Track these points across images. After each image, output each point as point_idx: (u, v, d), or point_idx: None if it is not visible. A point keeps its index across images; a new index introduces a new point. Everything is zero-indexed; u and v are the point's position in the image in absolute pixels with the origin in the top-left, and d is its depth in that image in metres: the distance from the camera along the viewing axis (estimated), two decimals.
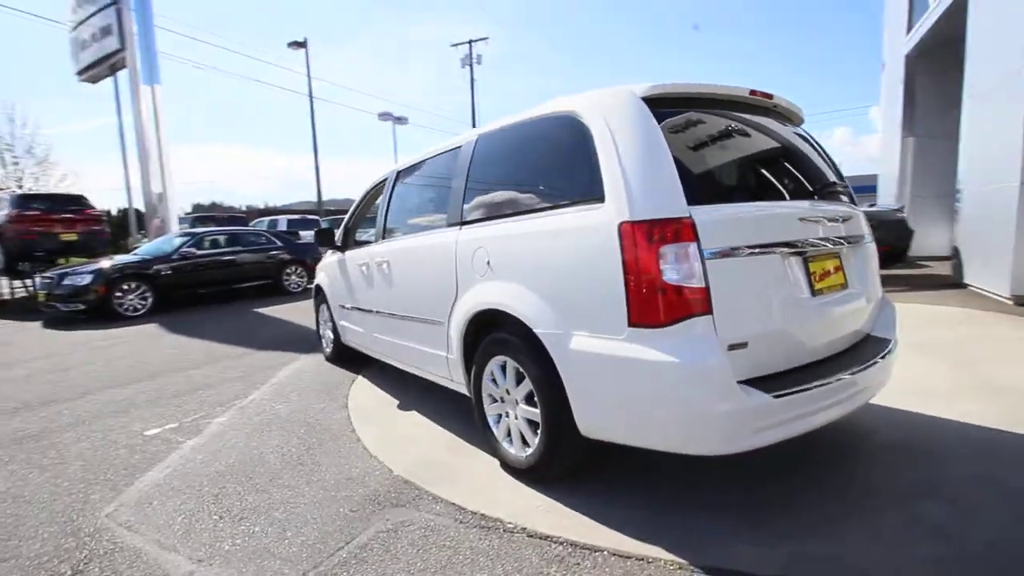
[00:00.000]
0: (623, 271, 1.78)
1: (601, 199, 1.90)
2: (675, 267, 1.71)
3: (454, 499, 2.25)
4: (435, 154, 3.13)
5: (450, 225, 2.73)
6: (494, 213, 2.44)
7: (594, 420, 1.98)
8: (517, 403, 2.34)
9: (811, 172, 2.30)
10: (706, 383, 1.68)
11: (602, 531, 1.94)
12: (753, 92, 2.18)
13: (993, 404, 2.91)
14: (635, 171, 1.81)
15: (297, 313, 8.14)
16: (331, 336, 4.80)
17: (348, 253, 4.17)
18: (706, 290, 1.71)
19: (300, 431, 3.17)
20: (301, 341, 5.97)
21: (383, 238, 3.54)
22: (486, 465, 2.54)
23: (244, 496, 2.39)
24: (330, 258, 4.69)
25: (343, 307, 4.30)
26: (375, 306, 3.57)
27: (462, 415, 3.22)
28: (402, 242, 3.25)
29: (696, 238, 1.72)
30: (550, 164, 2.27)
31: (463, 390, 2.79)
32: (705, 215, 1.76)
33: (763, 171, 2.16)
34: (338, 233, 4.37)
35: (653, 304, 1.72)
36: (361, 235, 4.51)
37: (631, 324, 1.77)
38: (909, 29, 9.20)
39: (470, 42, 33.59)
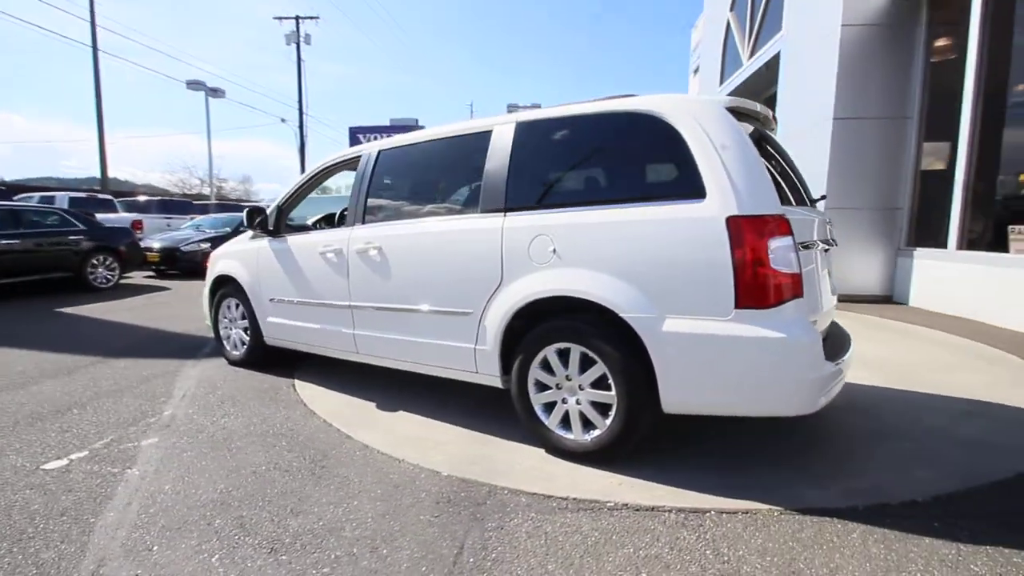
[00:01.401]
0: (731, 260, 2.00)
1: (700, 195, 2.09)
2: (780, 257, 1.99)
3: (530, 488, 2.20)
4: (446, 136, 2.95)
5: (487, 211, 2.63)
6: (555, 201, 2.45)
7: (684, 395, 2.16)
8: (581, 388, 2.39)
9: (798, 179, 2.83)
10: (804, 355, 2.00)
11: (693, 495, 2.12)
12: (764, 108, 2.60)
13: (875, 372, 3.86)
14: (738, 171, 2.06)
15: (129, 313, 6.60)
16: (243, 337, 4.08)
17: (291, 238, 3.61)
18: (800, 276, 2.04)
19: (281, 443, 2.67)
20: (169, 345, 4.91)
21: (362, 222, 3.18)
22: (528, 454, 2.52)
23: (280, 521, 1.97)
24: (247, 244, 3.98)
25: (275, 301, 3.70)
26: (350, 298, 3.18)
27: (460, 409, 3.10)
28: (403, 227, 2.97)
29: (792, 232, 2.04)
30: (626, 158, 2.38)
31: (490, 382, 2.70)
32: (788, 214, 2.09)
33: (782, 177, 2.60)
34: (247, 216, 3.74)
35: (762, 289, 1.98)
36: (299, 219, 3.94)
37: (738, 307, 2.01)
38: (722, 81, 11.46)
39: (297, 18, 30.90)
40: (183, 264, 10.58)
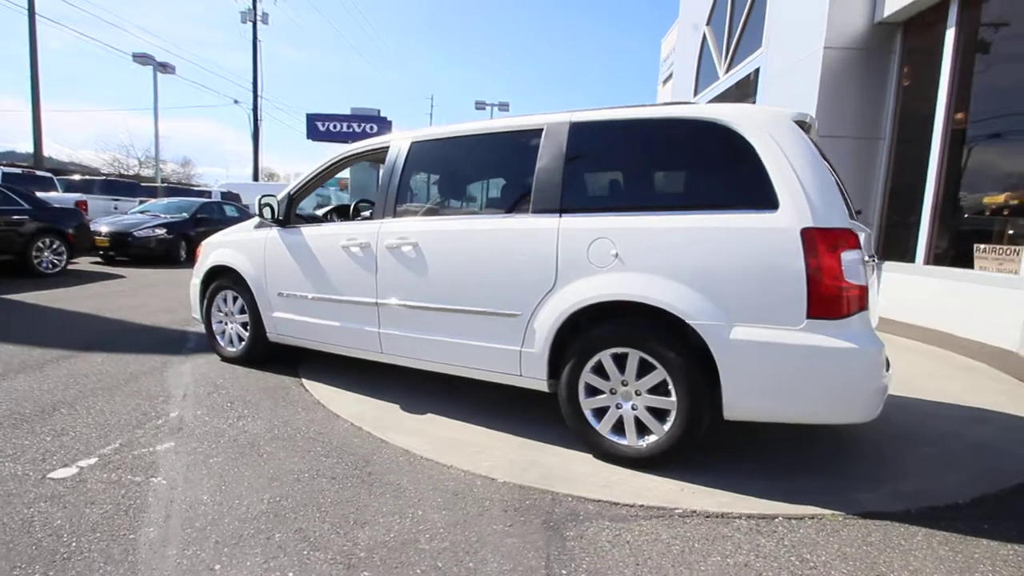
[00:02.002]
0: (805, 271, 2.04)
1: (772, 205, 2.13)
2: (851, 270, 2.05)
3: (594, 496, 2.17)
4: (489, 131, 2.86)
5: (540, 211, 2.56)
6: (616, 205, 2.42)
7: (749, 402, 2.18)
8: (638, 393, 2.38)
9: (843, 191, 2.91)
10: (872, 365, 2.06)
11: (754, 501, 2.15)
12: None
13: None
14: (811, 184, 2.10)
15: (88, 303, 6.07)
16: (241, 333, 3.82)
17: (306, 230, 3.41)
18: (867, 288, 2.10)
19: (316, 448, 2.51)
20: (144, 338, 4.55)
21: (393, 215, 3.03)
22: (578, 459, 2.48)
23: (346, 533, 1.84)
24: (251, 234, 3.73)
25: (285, 295, 3.48)
26: (376, 295, 3.03)
27: (491, 411, 3.03)
28: (442, 223, 2.86)
29: (860, 246, 2.10)
30: (691, 165, 2.39)
31: (534, 386, 2.65)
32: (853, 227, 2.16)
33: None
34: (260, 206, 3.51)
35: (835, 300, 2.03)
36: (302, 209, 3.72)
37: (810, 316, 2.05)
38: (696, 92, 11.82)
39: None
40: (136, 251, 9.83)
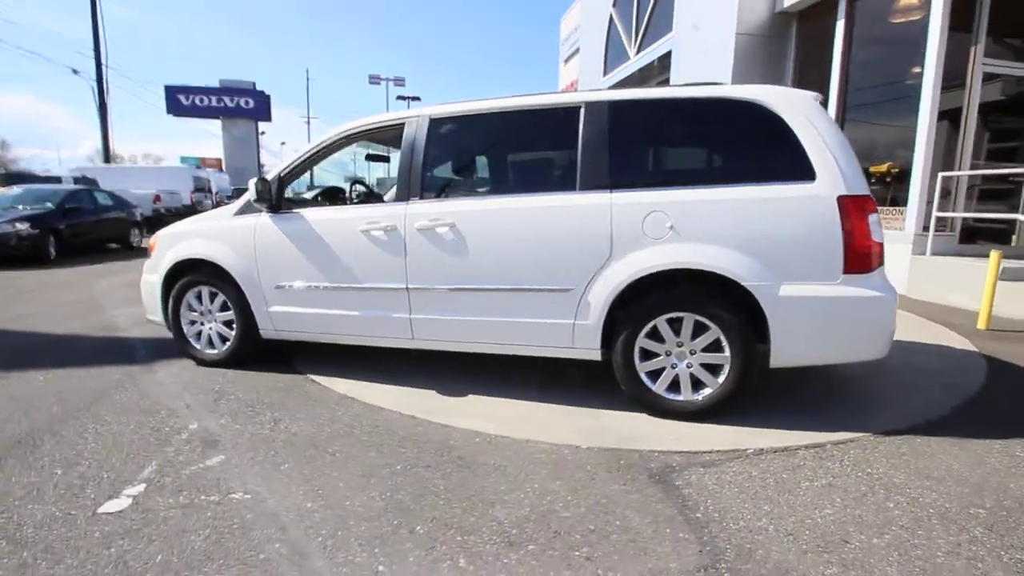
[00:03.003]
0: (842, 232, 2.37)
1: (809, 176, 2.42)
2: (875, 230, 2.41)
3: (673, 448, 2.36)
4: (519, 108, 2.82)
5: (589, 188, 2.64)
6: (666, 180, 2.57)
7: (794, 350, 2.49)
8: (693, 352, 2.60)
9: None
10: (892, 309, 2.46)
11: (799, 434, 2.49)
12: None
13: None
14: (841, 156, 2.41)
15: None
16: (224, 332, 3.44)
17: (308, 214, 3.13)
18: (883, 246, 2.49)
19: (387, 441, 2.40)
20: (72, 351, 3.92)
21: (419, 196, 2.90)
22: (635, 419, 2.65)
23: (484, 513, 1.84)
24: (232, 221, 3.33)
25: (286, 287, 3.19)
26: (406, 281, 2.90)
27: (524, 385, 3.10)
28: (481, 203, 2.80)
29: (877, 209, 2.47)
30: (732, 141, 2.59)
31: (586, 356, 2.76)
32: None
33: None
34: (250, 188, 3.17)
35: (865, 257, 2.38)
36: (297, 191, 3.42)
37: (846, 272, 2.39)
38: (606, 72, 12.35)
39: None
40: None
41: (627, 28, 11.21)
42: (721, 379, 2.58)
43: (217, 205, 20.19)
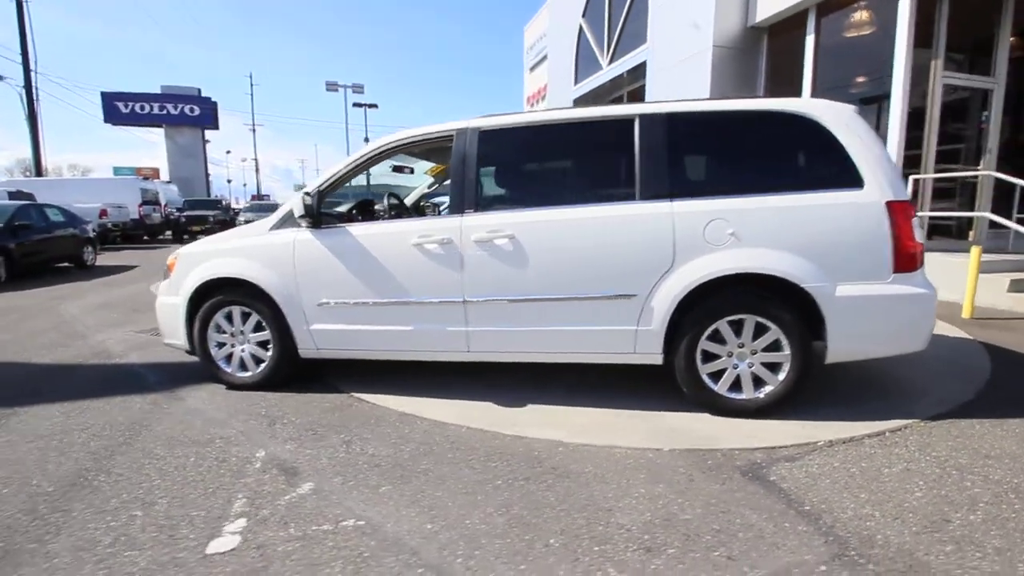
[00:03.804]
0: (891, 236, 2.55)
1: (858, 184, 2.59)
2: (917, 232, 2.61)
3: (754, 445, 2.46)
4: (572, 119, 2.87)
5: (649, 198, 2.71)
6: (725, 189, 2.68)
7: (849, 346, 2.65)
8: (754, 352, 2.72)
9: None
10: (933, 305, 2.66)
11: (857, 424, 2.65)
12: None
13: None
14: (885, 165, 2.60)
15: None
16: (259, 354, 3.30)
17: (354, 229, 3.05)
18: (923, 247, 2.69)
19: (472, 457, 2.38)
20: (78, 380, 3.67)
21: (475, 208, 2.89)
22: (698, 419, 2.74)
23: (608, 522, 1.86)
24: (267, 238, 3.20)
25: (329, 304, 3.09)
26: (463, 293, 2.88)
27: (576, 391, 3.13)
28: (541, 214, 2.81)
29: (916, 213, 2.68)
30: (784, 151, 2.74)
31: (647, 360, 2.83)
32: None
33: None
34: (294, 203, 3.07)
35: (912, 257, 2.57)
36: (334, 205, 3.33)
37: (895, 271, 2.57)
38: (577, 81, 12.61)
39: None
40: None
41: (598, 38, 11.52)
42: (781, 376, 2.72)
43: (167, 219, 19.10)
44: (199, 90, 32.67)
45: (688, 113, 2.79)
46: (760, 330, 2.71)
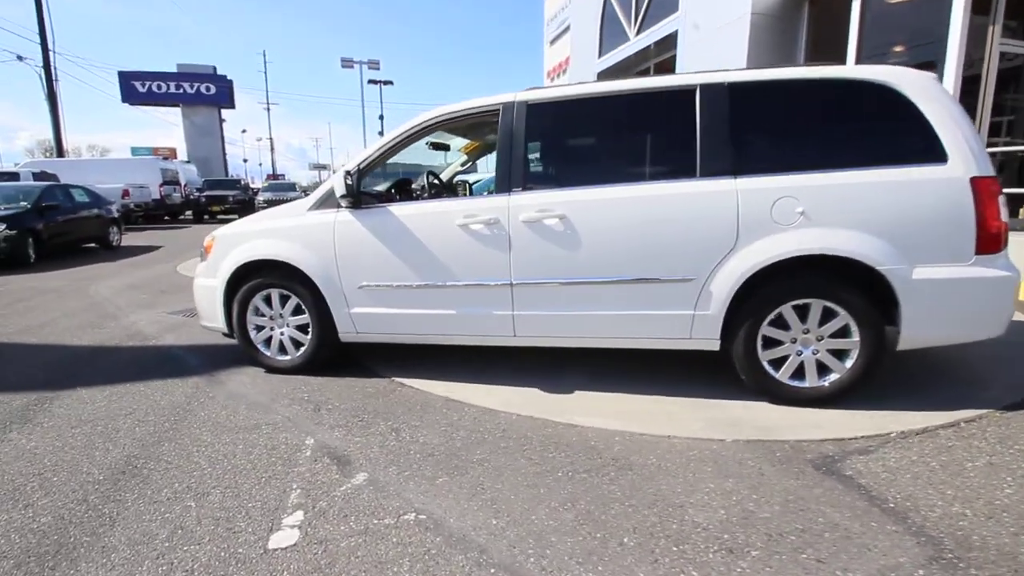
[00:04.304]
0: (975, 214, 2.36)
1: (941, 158, 2.39)
2: (1003, 211, 2.42)
3: (821, 437, 2.33)
4: (626, 91, 2.70)
5: (711, 174, 2.55)
6: (794, 164, 2.51)
7: (924, 332, 2.49)
8: (819, 339, 2.57)
9: None
10: (1015, 287, 2.48)
11: (930, 415, 2.49)
12: None
13: None
14: (971, 138, 2.40)
15: None
16: (298, 337, 3.24)
17: (395, 209, 2.94)
18: (1008, 226, 2.50)
19: (527, 447, 2.30)
20: (115, 361, 3.66)
21: (522, 187, 2.76)
22: (764, 409, 2.62)
23: (683, 520, 1.77)
24: (307, 219, 3.11)
25: (371, 287, 3.00)
26: (510, 276, 2.77)
27: (628, 377, 3.01)
28: (593, 192, 2.67)
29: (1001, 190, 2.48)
30: (858, 123, 2.53)
31: (703, 347, 2.71)
32: None
33: None
34: (336, 183, 2.96)
35: (996, 237, 2.39)
36: (372, 184, 3.21)
37: (978, 252, 2.39)
38: (601, 54, 12.20)
39: None
40: None
41: (625, 7, 11.06)
42: (848, 364, 2.57)
43: (187, 198, 19.17)
44: (215, 68, 32.50)
45: (753, 82, 2.59)
46: (827, 315, 2.55)
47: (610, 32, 11.81)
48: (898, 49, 6.75)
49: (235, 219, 3.90)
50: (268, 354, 3.32)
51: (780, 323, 2.61)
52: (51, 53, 21.79)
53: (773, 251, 2.50)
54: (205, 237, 3.49)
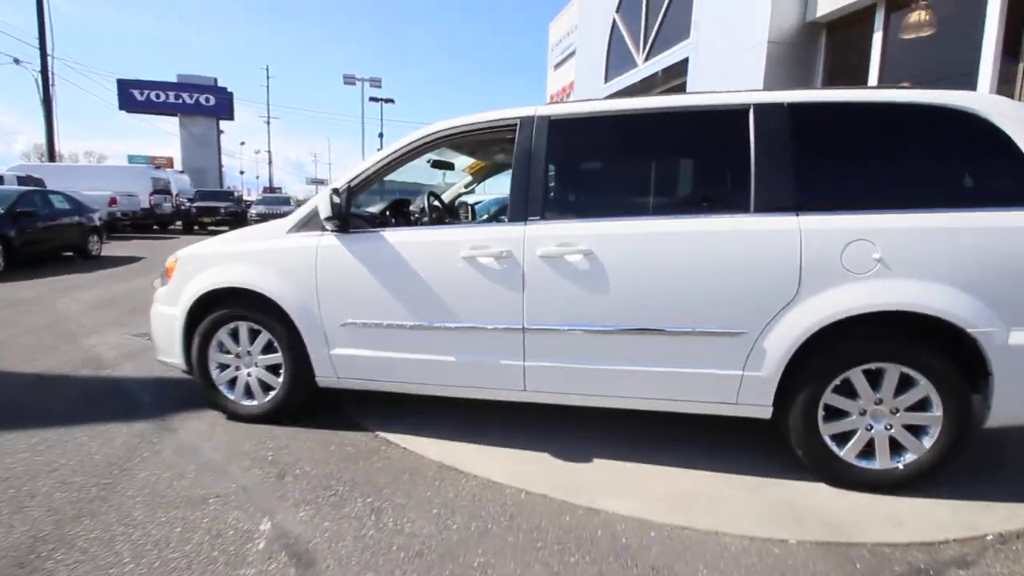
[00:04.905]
0: None
1: None
2: None
3: (906, 539, 1.87)
4: (669, 110, 2.29)
5: (767, 210, 2.14)
6: (870, 202, 2.10)
7: (1019, 407, 2.06)
8: (895, 412, 2.13)
9: None
10: None
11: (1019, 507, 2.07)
12: None
13: None
14: None
15: None
16: (268, 379, 2.76)
17: (390, 235, 2.50)
18: None
19: (539, 544, 1.81)
20: (46, 395, 3.13)
21: (540, 216, 2.33)
22: (825, 493, 2.16)
23: None
24: (284, 242, 2.66)
25: (355, 325, 2.54)
26: (523, 319, 2.32)
27: (644, 443, 2.56)
28: (624, 225, 2.24)
29: None
30: (944, 156, 2.14)
31: (750, 413, 2.26)
32: None
33: None
34: (320, 202, 2.52)
35: None
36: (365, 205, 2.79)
37: None
38: (607, 79, 12.01)
39: None
40: None
41: (634, 33, 10.89)
42: (928, 443, 2.13)
43: (178, 208, 18.69)
44: (215, 80, 32.31)
45: (817, 103, 2.20)
46: (905, 383, 2.12)
47: (617, 57, 11.64)
48: (927, 82, 6.51)
49: (226, 231, 3.43)
50: (231, 397, 2.82)
51: (847, 390, 2.17)
52: (50, 58, 21.51)
53: (843, 304, 2.07)
54: (168, 257, 3.03)
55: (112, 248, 11.67)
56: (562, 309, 2.32)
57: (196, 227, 17.84)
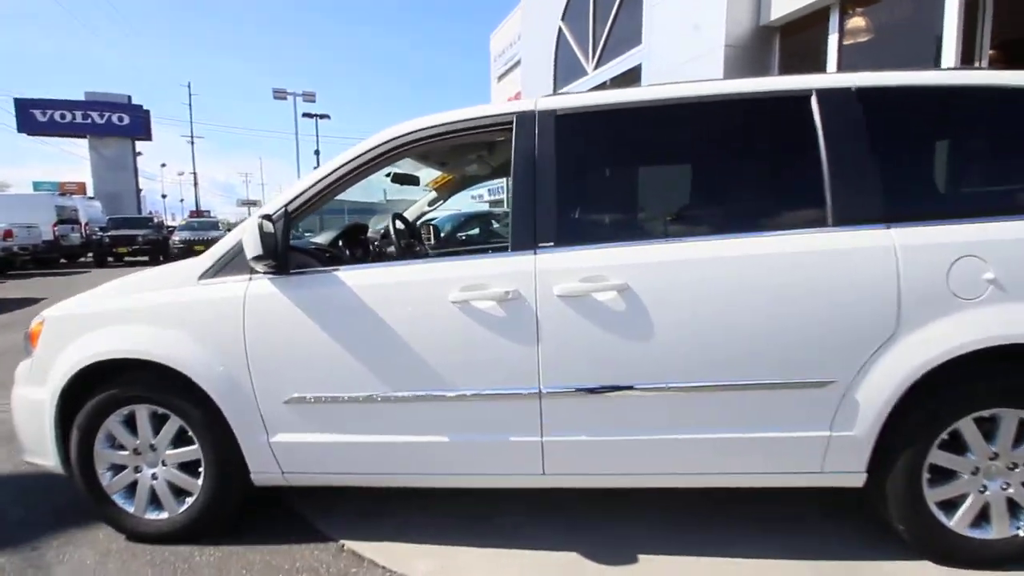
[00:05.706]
0: None
1: None
2: None
3: None
4: (712, 97, 1.78)
5: (848, 222, 1.66)
6: (972, 209, 1.66)
7: None
8: (1015, 467, 1.68)
9: None
10: None
11: None
12: None
13: None
14: None
15: None
16: (183, 481, 2.00)
17: (347, 276, 1.84)
18: None
19: None
20: None
21: (554, 241, 1.75)
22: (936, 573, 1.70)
23: None
24: (190, 292, 1.93)
25: (309, 400, 1.85)
26: (539, 380, 1.72)
27: (708, 519, 2.01)
28: (681, 250, 1.70)
29: None
30: None
31: (840, 482, 1.77)
32: None
33: None
34: (247, 235, 1.83)
35: None
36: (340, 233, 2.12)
37: None
38: (556, 89, 11.66)
39: None
40: None
41: (581, 41, 10.63)
42: None
43: (89, 238, 16.74)
44: (129, 97, 29.69)
45: (905, 88, 1.74)
46: (1021, 432, 1.70)
47: (565, 66, 11.36)
48: None
49: (144, 262, 2.59)
50: (130, 510, 2.03)
51: (954, 445, 1.72)
52: None
53: (956, 339, 1.61)
54: (34, 318, 2.21)
55: (7, 289, 10.08)
56: (591, 366, 1.74)
57: (110, 259, 16.02)
